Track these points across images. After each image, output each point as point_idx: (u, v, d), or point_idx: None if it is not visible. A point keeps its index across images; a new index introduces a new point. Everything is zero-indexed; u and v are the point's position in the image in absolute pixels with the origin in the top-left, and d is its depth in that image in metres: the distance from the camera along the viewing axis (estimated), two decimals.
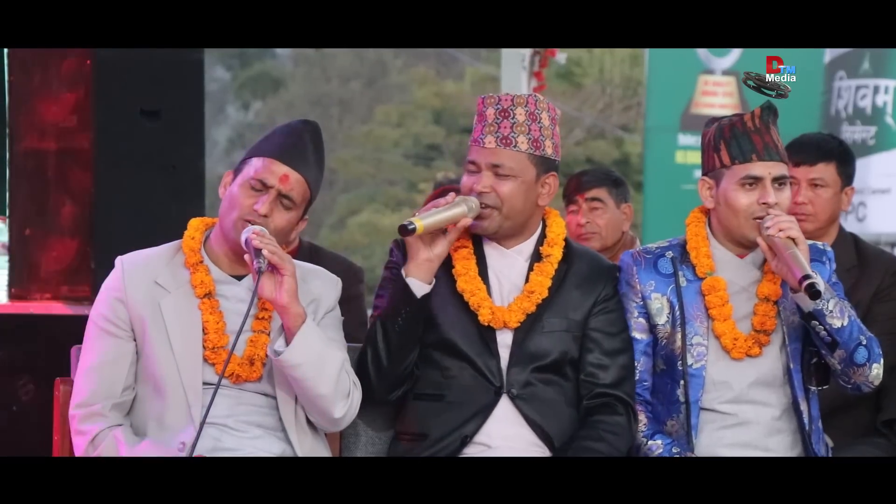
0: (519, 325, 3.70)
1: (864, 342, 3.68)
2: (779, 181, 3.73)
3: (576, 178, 5.65)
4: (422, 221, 3.63)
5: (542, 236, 3.79)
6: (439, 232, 3.69)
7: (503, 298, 3.74)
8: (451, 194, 3.72)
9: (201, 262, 3.60)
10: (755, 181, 3.73)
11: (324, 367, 3.53)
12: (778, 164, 3.73)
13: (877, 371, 3.73)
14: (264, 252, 3.46)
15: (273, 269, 3.48)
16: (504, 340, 3.71)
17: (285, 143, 3.61)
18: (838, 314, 3.64)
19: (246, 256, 3.49)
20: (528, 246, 3.78)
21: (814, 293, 3.54)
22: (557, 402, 3.71)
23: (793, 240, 3.63)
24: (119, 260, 3.63)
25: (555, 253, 3.76)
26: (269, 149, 3.61)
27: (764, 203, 3.71)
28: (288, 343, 3.51)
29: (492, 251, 3.77)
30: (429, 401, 3.72)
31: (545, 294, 3.72)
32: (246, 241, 3.50)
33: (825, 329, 3.64)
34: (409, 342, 3.69)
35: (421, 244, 3.68)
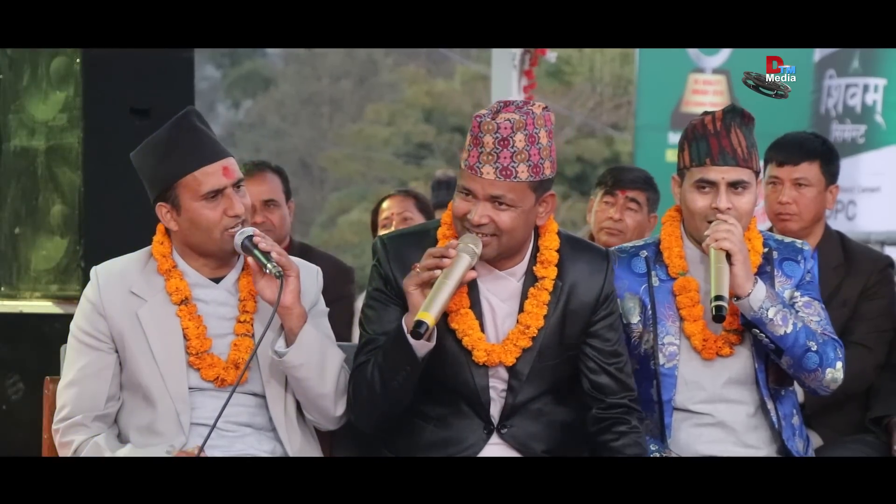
0: (515, 360, 3.58)
1: (815, 348, 3.66)
2: (735, 186, 3.70)
3: (618, 171, 5.59)
4: (431, 313, 3.37)
5: (535, 249, 3.61)
6: None
7: (497, 328, 3.59)
8: (451, 242, 3.48)
9: (174, 267, 3.58)
10: (709, 185, 3.71)
11: (325, 365, 3.54)
12: (734, 168, 3.69)
13: (832, 375, 3.70)
14: (273, 255, 3.45)
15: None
16: (499, 374, 3.59)
17: (195, 145, 3.52)
18: (780, 322, 3.64)
19: (250, 260, 3.47)
20: (521, 267, 3.60)
21: (717, 317, 3.54)
22: (551, 426, 3.63)
23: (728, 251, 3.61)
24: (94, 271, 3.60)
25: (549, 274, 3.58)
26: (188, 161, 3.51)
27: (714, 208, 3.69)
28: (289, 343, 3.51)
29: (484, 273, 3.57)
30: (422, 421, 3.63)
31: (541, 324, 3.56)
32: (244, 246, 3.47)
33: (767, 336, 3.65)
34: (409, 391, 3.53)
35: (423, 298, 3.43)
